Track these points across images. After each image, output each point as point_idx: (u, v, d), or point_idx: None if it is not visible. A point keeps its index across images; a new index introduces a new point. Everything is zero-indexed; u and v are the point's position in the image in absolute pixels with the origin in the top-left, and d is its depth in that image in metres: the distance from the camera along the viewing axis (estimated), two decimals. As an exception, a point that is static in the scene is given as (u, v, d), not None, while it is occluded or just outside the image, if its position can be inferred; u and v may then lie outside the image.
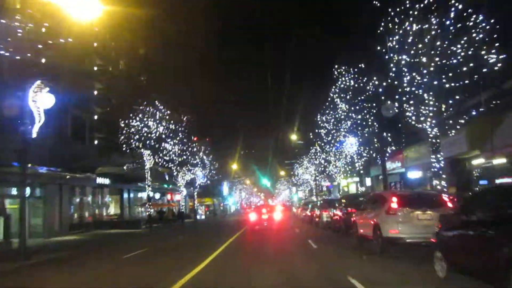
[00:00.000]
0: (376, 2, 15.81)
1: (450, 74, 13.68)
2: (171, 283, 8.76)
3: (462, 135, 18.25)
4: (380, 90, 16.16)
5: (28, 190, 20.75)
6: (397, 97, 15.79)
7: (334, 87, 27.72)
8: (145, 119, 31.43)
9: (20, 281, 11.44)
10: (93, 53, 33.00)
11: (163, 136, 32.92)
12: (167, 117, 32.93)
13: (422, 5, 13.93)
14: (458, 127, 14.93)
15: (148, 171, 32.82)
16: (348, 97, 26.84)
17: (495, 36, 12.87)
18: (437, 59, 13.66)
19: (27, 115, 15.50)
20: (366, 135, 26.08)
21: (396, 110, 17.04)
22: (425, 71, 14.24)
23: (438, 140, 15.06)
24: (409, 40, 14.50)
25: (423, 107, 14.79)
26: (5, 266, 13.50)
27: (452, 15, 12.92)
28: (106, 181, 35.07)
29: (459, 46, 13.11)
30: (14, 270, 13.06)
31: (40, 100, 15.86)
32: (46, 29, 15.19)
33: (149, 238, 25.94)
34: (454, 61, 13.26)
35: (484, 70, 12.75)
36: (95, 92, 34.48)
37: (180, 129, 35.17)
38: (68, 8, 15.05)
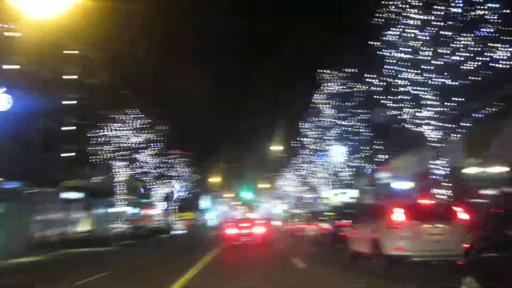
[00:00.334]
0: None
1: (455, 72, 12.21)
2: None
3: (459, 142, 16.86)
4: (374, 89, 14.50)
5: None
6: (393, 98, 14.18)
7: (317, 92, 26.19)
8: (117, 128, 29.31)
9: None
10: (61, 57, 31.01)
11: (137, 146, 30.76)
12: (141, 126, 30.74)
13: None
14: (461, 130, 13.38)
15: (120, 184, 30.52)
16: (334, 102, 25.42)
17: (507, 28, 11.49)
18: (441, 51, 12.14)
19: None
20: (356, 143, 24.57)
21: (390, 114, 15.41)
22: (426, 68, 12.69)
23: (441, 145, 13.44)
24: (408, 34, 12.96)
25: (423, 108, 13.22)
26: None
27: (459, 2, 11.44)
28: (75, 195, 32.61)
29: (465, 39, 11.64)
30: None
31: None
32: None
33: (118, 257, 23.66)
34: (460, 57, 11.76)
35: (494, 65, 11.28)
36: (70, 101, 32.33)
37: (155, 139, 32.96)
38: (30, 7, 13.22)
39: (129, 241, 36.21)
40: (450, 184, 13.40)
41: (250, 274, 12.48)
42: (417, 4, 12.93)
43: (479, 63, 11.91)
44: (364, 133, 23.09)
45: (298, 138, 31.09)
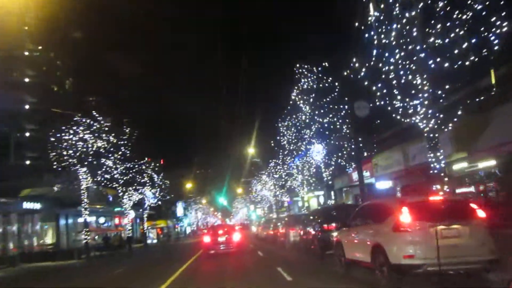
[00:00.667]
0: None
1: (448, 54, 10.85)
2: None
3: (445, 136, 15.63)
4: (359, 77, 13.01)
5: None
6: (379, 85, 12.71)
7: (296, 88, 24.68)
8: (80, 131, 27.06)
9: None
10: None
11: (102, 151, 28.50)
12: (106, 128, 28.47)
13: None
14: (455, 120, 11.99)
15: (85, 191, 28.21)
16: (311, 99, 23.96)
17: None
18: (435, 30, 10.76)
19: None
20: (333, 141, 23.14)
21: (375, 105, 13.97)
22: (417, 48, 11.29)
23: (436, 135, 11.99)
24: (396, 11, 11.55)
25: (412, 96, 11.79)
26: None
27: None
28: (37, 205, 30.18)
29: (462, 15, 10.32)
30: None
31: None
32: None
33: (79, 272, 21.61)
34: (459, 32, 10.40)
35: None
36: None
37: (123, 143, 30.69)
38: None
39: (98, 253, 34.16)
40: (446, 179, 11.96)
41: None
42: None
43: (475, 41, 10.52)
44: (345, 130, 21.67)
45: (277, 138, 29.51)
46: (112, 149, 29.01)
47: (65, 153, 26.50)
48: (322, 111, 23.23)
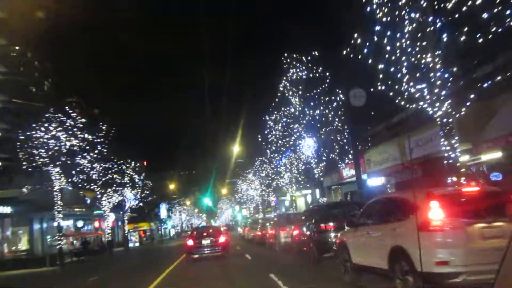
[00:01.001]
0: None
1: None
2: None
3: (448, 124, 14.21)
4: (359, 57, 11.45)
5: None
6: (382, 66, 11.17)
7: (284, 79, 23.11)
8: (52, 128, 24.97)
9: None
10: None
11: (77, 149, 26.43)
12: (81, 125, 26.34)
13: None
14: (468, 104, 10.51)
15: (58, 193, 26.12)
16: (300, 91, 22.47)
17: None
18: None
19: None
20: (324, 135, 21.64)
21: (375, 90, 12.43)
22: (429, 20, 9.79)
23: (450, 120, 10.48)
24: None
25: (424, 73, 10.24)
26: None
27: None
28: (7, 209, 28.04)
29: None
30: None
31: None
32: None
33: (47, 281, 19.78)
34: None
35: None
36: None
37: (99, 141, 28.59)
38: None
39: (76, 259, 32.28)
40: (463, 170, 10.48)
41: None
42: None
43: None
44: (337, 122, 20.20)
45: (265, 132, 27.86)
46: (87, 147, 26.96)
47: (35, 152, 24.42)
48: (312, 103, 21.78)
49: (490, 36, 9.22)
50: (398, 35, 10.51)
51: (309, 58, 21.83)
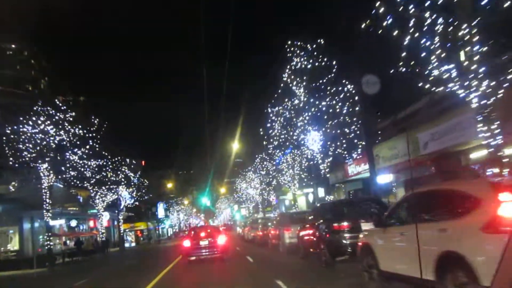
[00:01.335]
0: None
1: None
2: None
3: (468, 116, 12.72)
4: (380, 31, 9.92)
5: None
6: (405, 43, 9.65)
7: (287, 69, 21.60)
8: (40, 122, 23.45)
9: None
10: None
11: (67, 144, 24.90)
12: (71, 119, 24.78)
13: None
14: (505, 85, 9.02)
15: (47, 190, 24.57)
16: (305, 82, 20.99)
17: None
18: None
19: None
20: (331, 128, 20.15)
21: (395, 71, 10.92)
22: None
23: (489, 102, 8.98)
24: None
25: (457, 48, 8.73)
26: None
27: None
28: (-2, 207, 26.55)
29: None
30: None
31: None
32: None
33: (29, 285, 18.40)
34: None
35: None
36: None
37: (91, 135, 27.04)
38: None
39: (69, 259, 31.33)
40: (507, 160, 9.00)
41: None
42: None
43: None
44: (345, 112, 18.75)
45: (267, 125, 26.31)
46: (78, 142, 25.43)
47: (22, 147, 22.91)
48: (317, 95, 20.33)
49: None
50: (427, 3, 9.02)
51: (314, 46, 20.37)
